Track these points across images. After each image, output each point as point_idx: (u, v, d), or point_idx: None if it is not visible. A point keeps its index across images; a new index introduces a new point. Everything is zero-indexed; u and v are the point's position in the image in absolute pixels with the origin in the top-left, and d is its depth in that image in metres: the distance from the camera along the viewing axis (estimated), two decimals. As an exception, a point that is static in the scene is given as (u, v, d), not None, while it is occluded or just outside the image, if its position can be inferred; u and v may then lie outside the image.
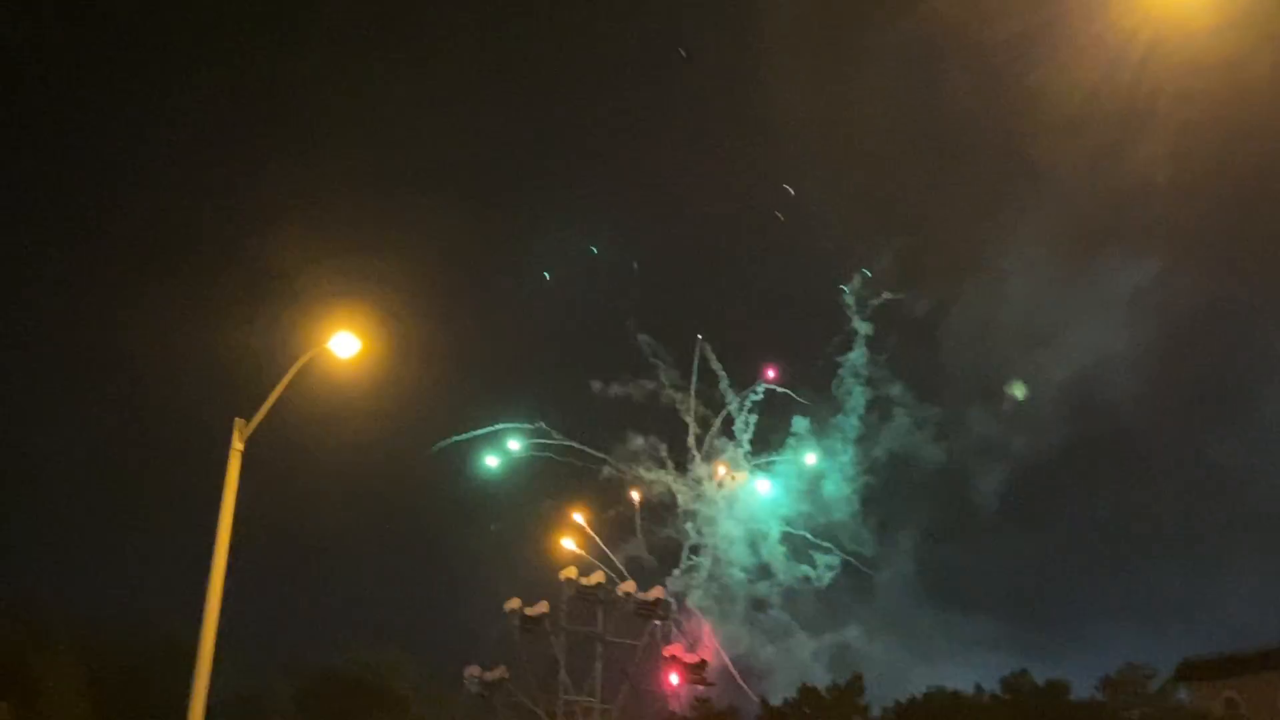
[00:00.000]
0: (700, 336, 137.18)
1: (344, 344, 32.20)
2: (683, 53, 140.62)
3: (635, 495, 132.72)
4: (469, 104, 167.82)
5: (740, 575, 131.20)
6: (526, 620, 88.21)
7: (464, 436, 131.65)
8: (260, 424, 30.70)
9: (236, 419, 30.49)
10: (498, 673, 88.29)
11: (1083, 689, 73.79)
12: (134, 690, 75.12)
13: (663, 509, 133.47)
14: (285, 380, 31.39)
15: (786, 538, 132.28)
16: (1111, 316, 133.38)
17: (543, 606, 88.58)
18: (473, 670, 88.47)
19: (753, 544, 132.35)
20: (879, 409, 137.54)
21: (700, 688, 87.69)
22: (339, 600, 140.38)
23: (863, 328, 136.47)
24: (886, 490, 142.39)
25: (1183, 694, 76.80)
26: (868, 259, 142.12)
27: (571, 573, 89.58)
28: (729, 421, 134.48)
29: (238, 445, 30.32)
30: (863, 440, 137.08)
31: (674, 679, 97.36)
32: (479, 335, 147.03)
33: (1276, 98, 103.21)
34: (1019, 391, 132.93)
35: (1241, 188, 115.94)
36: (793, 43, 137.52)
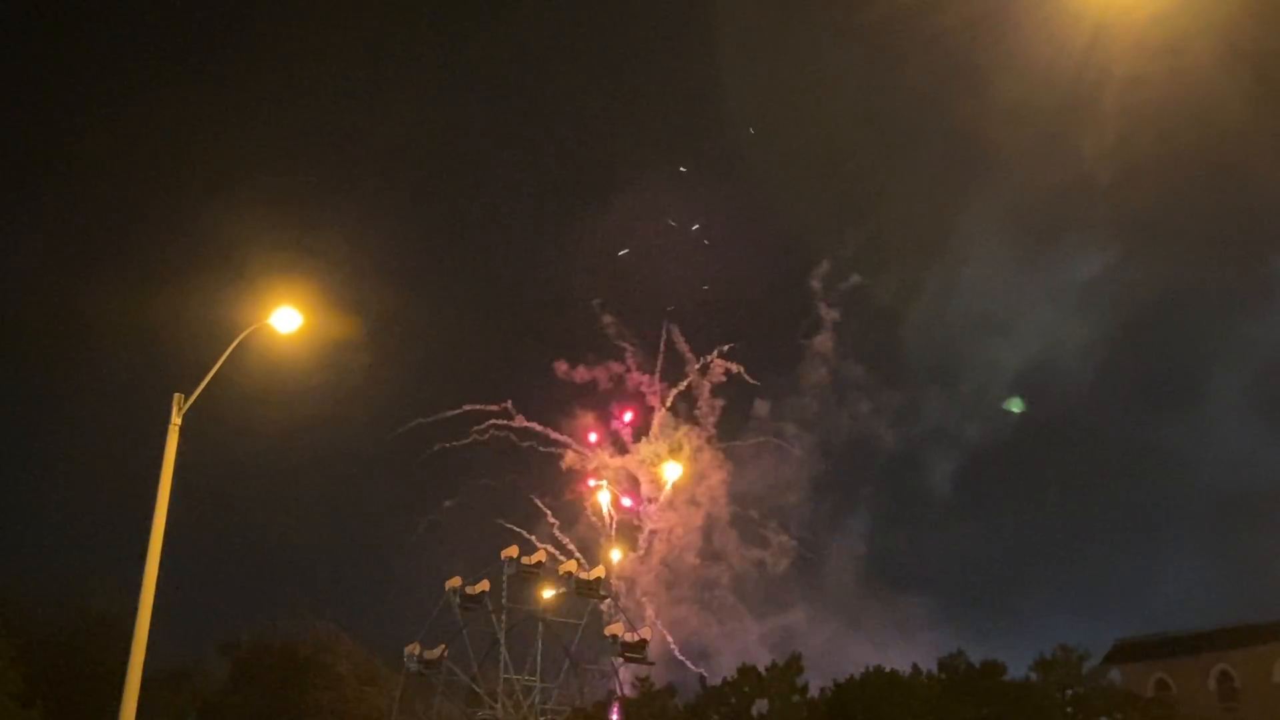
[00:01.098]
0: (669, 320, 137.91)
1: (286, 319, 31.74)
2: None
3: (594, 479, 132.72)
4: (422, 82, 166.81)
5: (693, 558, 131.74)
6: (467, 598, 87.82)
7: (429, 419, 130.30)
8: (199, 399, 30.24)
9: (175, 394, 30.02)
10: (437, 651, 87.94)
11: (1018, 670, 74.78)
12: (66, 663, 74.17)
13: (622, 493, 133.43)
14: (225, 355, 30.93)
15: (741, 520, 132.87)
16: (1066, 304, 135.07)
17: (484, 585, 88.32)
18: (412, 648, 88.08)
19: (708, 526, 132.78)
20: (838, 393, 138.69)
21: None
22: (276, 577, 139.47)
23: (825, 313, 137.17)
24: (842, 474, 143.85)
25: (1115, 675, 77.98)
26: (833, 245, 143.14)
27: (513, 551, 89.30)
28: (693, 404, 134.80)
29: (176, 420, 29.85)
30: (821, 424, 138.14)
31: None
32: (436, 314, 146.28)
33: (1218, 83, 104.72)
34: (1017, 406, 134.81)
35: (1185, 173, 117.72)
36: (748, 33, 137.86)
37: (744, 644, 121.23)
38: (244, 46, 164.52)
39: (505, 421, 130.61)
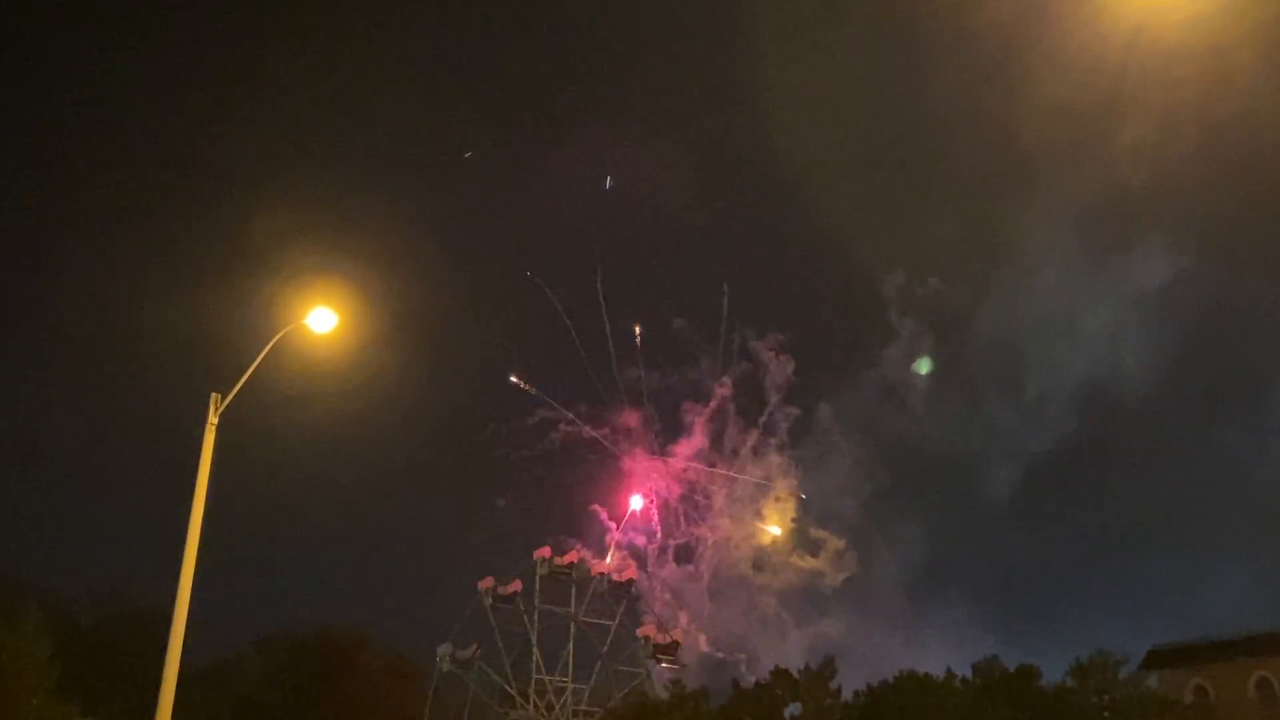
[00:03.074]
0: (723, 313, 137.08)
1: (321, 319, 31.82)
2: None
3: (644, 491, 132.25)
4: (462, 83, 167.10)
5: (744, 564, 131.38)
6: (499, 598, 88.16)
7: (505, 426, 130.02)
8: (236, 398, 30.35)
9: (212, 393, 30.13)
10: (470, 650, 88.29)
11: (1056, 675, 74.11)
12: (104, 658, 74.75)
13: (684, 500, 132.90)
14: (261, 355, 31.01)
15: (795, 525, 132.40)
16: (1132, 310, 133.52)
17: (516, 585, 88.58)
18: (445, 647, 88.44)
19: (764, 532, 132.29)
20: (902, 400, 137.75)
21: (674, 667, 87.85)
22: (312, 575, 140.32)
23: (896, 320, 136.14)
24: (901, 480, 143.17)
25: (1152, 681, 77.14)
26: (901, 253, 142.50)
27: (545, 552, 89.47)
28: (759, 404, 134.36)
29: (213, 419, 29.96)
30: (883, 430, 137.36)
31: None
32: (482, 315, 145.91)
33: (1259, 85, 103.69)
34: (924, 367, 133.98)
35: (1224, 176, 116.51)
36: (785, 33, 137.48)
37: (788, 648, 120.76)
38: (282, 52, 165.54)
39: (573, 428, 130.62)
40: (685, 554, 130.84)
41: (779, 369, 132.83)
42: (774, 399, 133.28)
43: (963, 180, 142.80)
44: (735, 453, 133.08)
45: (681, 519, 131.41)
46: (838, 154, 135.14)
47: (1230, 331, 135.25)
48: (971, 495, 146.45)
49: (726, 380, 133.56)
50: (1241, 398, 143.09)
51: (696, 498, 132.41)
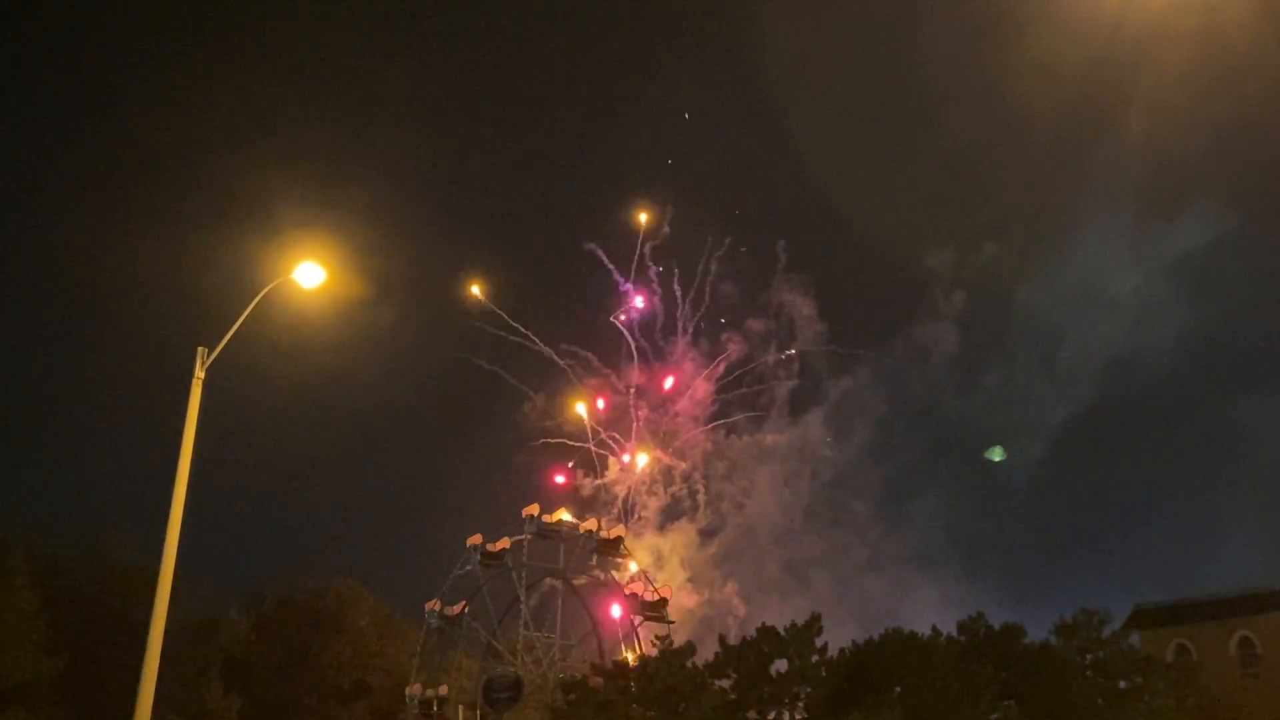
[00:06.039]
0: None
1: (309, 274, 31.71)
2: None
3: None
4: (452, 34, 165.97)
5: (763, 540, 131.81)
6: (488, 556, 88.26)
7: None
8: (223, 352, 30.25)
9: (199, 347, 30.05)
10: (458, 608, 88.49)
11: (1041, 634, 74.51)
12: (90, 614, 74.78)
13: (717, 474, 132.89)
14: (248, 309, 30.91)
15: (811, 490, 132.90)
16: (1158, 278, 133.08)
17: (504, 543, 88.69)
18: (433, 604, 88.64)
19: (785, 501, 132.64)
20: (932, 368, 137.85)
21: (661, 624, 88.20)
22: (299, 531, 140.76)
23: (937, 295, 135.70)
24: (922, 450, 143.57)
25: (1135, 639, 77.58)
26: (935, 221, 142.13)
27: (534, 509, 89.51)
28: (791, 366, 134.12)
29: (199, 374, 29.88)
30: (907, 398, 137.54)
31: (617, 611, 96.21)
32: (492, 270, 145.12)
33: (1254, 39, 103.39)
34: (997, 455, 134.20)
35: (1221, 130, 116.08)
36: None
37: (785, 609, 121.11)
38: (271, 2, 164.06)
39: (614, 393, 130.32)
40: (689, 509, 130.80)
41: (813, 331, 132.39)
42: (806, 361, 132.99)
43: (959, 146, 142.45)
44: (765, 415, 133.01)
45: (703, 482, 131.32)
46: (832, 115, 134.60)
47: (1267, 303, 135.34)
48: (992, 465, 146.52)
49: (748, 340, 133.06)
50: (1268, 369, 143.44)
51: (715, 460, 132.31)
